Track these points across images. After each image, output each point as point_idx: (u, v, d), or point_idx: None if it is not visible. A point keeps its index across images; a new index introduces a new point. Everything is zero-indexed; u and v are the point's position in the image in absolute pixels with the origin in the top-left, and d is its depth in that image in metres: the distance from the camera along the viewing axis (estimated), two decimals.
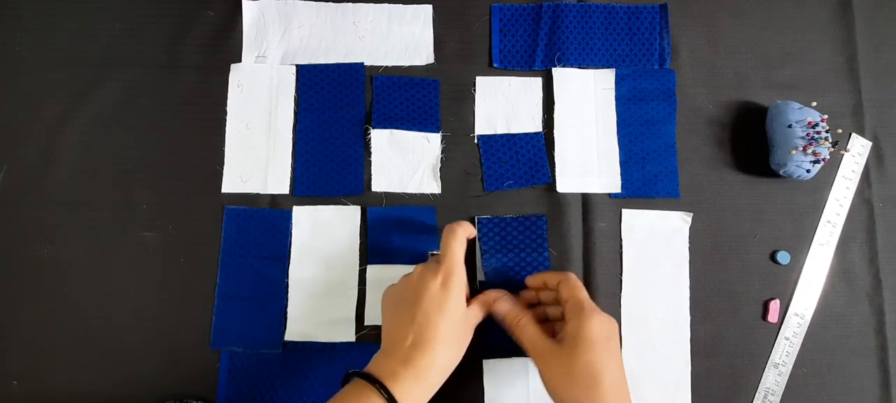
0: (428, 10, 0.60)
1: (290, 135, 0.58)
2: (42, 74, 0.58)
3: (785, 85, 0.60)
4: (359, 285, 0.55)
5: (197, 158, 0.57)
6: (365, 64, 0.59)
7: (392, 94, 0.58)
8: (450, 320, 0.45)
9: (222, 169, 0.57)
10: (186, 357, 0.54)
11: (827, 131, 0.54)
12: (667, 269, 0.56)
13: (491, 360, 0.54)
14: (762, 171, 0.58)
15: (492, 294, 0.49)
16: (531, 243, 0.56)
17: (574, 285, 0.47)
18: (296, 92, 0.59)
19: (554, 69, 0.59)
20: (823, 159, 0.54)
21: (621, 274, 0.56)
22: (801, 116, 0.55)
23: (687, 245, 0.57)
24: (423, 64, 0.59)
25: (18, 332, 0.54)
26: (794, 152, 0.54)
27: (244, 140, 0.57)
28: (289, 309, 0.55)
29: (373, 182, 0.57)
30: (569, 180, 0.57)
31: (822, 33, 0.61)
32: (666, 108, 0.59)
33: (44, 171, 0.57)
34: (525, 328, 0.47)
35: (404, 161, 0.57)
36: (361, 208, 0.56)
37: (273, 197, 0.57)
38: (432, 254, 0.51)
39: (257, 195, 0.57)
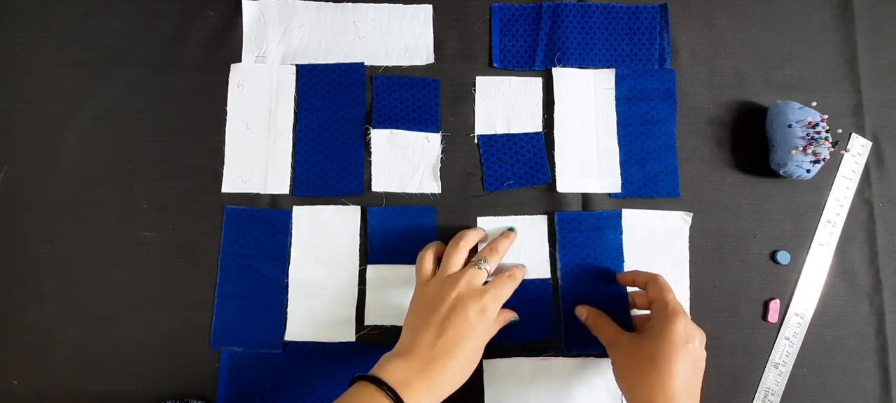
0: (428, 10, 0.60)
1: (290, 135, 0.58)
2: (42, 74, 0.58)
3: (785, 85, 0.60)
4: (359, 285, 0.55)
5: (197, 158, 0.57)
6: (365, 64, 0.59)
7: (392, 94, 0.58)
8: (477, 344, 0.46)
9: (222, 169, 0.57)
10: (186, 357, 0.54)
11: (827, 131, 0.54)
12: (667, 269, 0.56)
13: (491, 360, 0.54)
14: (762, 171, 0.58)
15: (506, 314, 0.52)
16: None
17: (661, 286, 0.49)
18: (296, 92, 0.59)
19: (554, 69, 0.59)
20: (823, 159, 0.54)
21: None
22: (801, 116, 0.55)
23: (687, 245, 0.57)
24: (423, 64, 0.59)
25: (18, 332, 0.54)
26: (794, 152, 0.54)
27: (244, 140, 0.57)
28: (289, 309, 0.55)
29: (373, 182, 0.57)
30: (569, 180, 0.57)
31: (822, 33, 0.61)
32: (666, 108, 0.59)
33: (44, 171, 0.57)
34: (601, 322, 0.51)
35: (404, 161, 0.57)
36: (361, 208, 0.56)
37: (273, 197, 0.57)
38: (483, 255, 0.51)
39: (257, 195, 0.57)
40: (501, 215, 0.57)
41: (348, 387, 0.44)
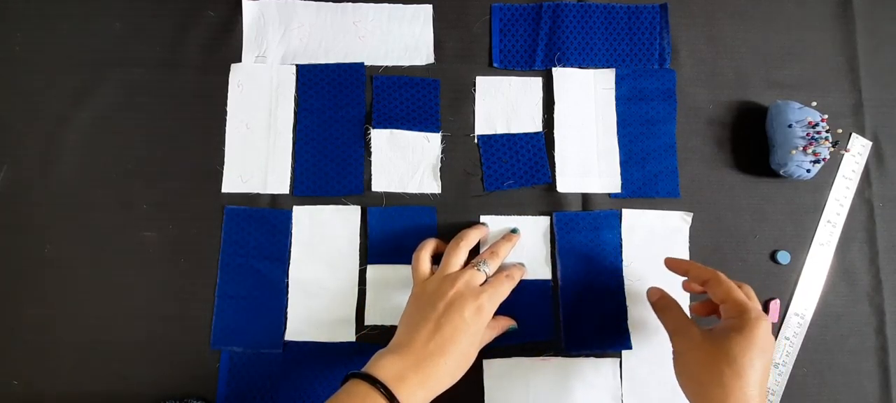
0: (428, 10, 0.60)
1: (290, 135, 0.58)
2: (42, 74, 0.58)
3: (785, 85, 0.60)
4: (359, 285, 0.55)
5: (197, 158, 0.57)
6: (365, 64, 0.59)
7: (392, 94, 0.58)
8: (472, 341, 0.47)
9: (222, 169, 0.57)
10: (186, 358, 0.54)
11: (827, 131, 0.54)
12: (667, 269, 0.56)
13: (491, 360, 0.54)
14: (762, 171, 0.58)
15: (505, 320, 0.52)
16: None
17: (730, 288, 0.46)
18: (296, 92, 0.59)
19: (554, 69, 0.59)
20: (823, 159, 0.54)
21: (622, 274, 0.56)
22: (801, 116, 0.55)
23: (687, 245, 0.57)
24: (423, 64, 0.59)
25: (18, 332, 0.54)
26: (794, 152, 0.54)
27: (244, 140, 0.57)
28: (289, 309, 0.55)
29: (373, 182, 0.57)
30: (569, 180, 0.57)
31: (822, 33, 0.61)
32: (666, 108, 0.59)
33: (44, 171, 0.57)
34: (672, 307, 0.49)
35: (404, 161, 0.57)
36: (361, 208, 0.56)
37: (273, 197, 0.57)
38: (484, 257, 0.51)
39: (257, 195, 0.57)
40: (501, 215, 0.56)
41: (341, 385, 0.44)
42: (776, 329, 0.56)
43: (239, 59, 0.59)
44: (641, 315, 0.55)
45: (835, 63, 0.61)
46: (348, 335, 0.54)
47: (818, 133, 0.54)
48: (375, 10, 0.60)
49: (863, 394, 0.56)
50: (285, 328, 0.54)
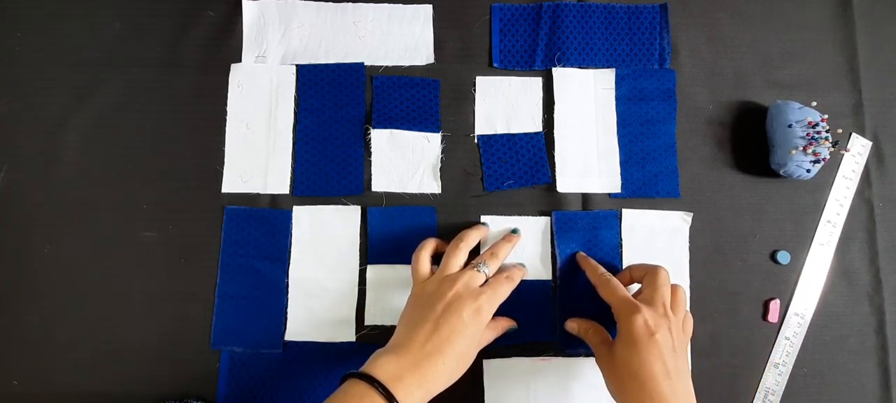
0: (428, 10, 0.60)
1: (290, 135, 0.58)
2: (42, 74, 0.58)
3: (785, 85, 0.60)
4: (359, 285, 0.55)
5: (197, 158, 0.57)
6: (365, 64, 0.59)
7: (392, 94, 0.58)
8: (471, 342, 0.47)
9: (222, 169, 0.57)
10: (186, 357, 0.54)
11: (827, 131, 0.54)
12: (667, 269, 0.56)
13: (491, 360, 0.54)
14: (762, 171, 0.58)
15: (505, 321, 0.52)
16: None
17: (610, 288, 0.49)
18: (296, 92, 0.59)
19: (554, 69, 0.59)
20: (823, 159, 0.54)
21: None
22: (801, 116, 0.55)
23: (687, 245, 0.57)
24: (423, 64, 0.59)
25: (18, 332, 0.54)
26: (794, 152, 0.54)
27: (244, 140, 0.57)
28: (289, 309, 0.55)
29: (373, 182, 0.57)
30: (569, 180, 0.57)
31: (822, 33, 0.61)
32: (666, 108, 0.59)
33: (44, 171, 0.57)
34: (589, 335, 0.50)
35: (404, 161, 0.57)
36: (361, 208, 0.56)
37: (273, 197, 0.57)
38: (484, 258, 0.51)
39: (257, 195, 0.57)
40: (502, 215, 0.56)
41: (339, 385, 0.44)
42: (776, 329, 0.56)
43: (239, 59, 0.59)
44: None
45: (835, 63, 0.61)
46: (348, 335, 0.54)
47: (818, 133, 0.54)
48: (375, 10, 0.60)
49: (863, 394, 0.56)
50: (285, 328, 0.54)
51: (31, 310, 0.55)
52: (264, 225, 0.56)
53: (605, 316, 0.54)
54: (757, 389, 0.55)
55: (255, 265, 0.55)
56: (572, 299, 0.55)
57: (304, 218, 0.56)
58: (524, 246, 0.56)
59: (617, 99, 0.59)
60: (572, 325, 0.52)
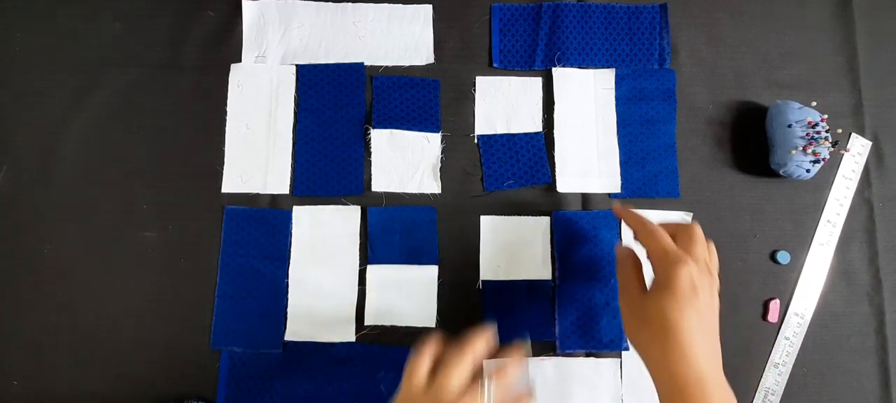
0: (428, 10, 0.60)
1: (290, 135, 0.58)
2: (42, 74, 0.58)
3: (785, 85, 0.60)
4: (359, 285, 0.55)
5: (197, 158, 0.57)
6: (365, 64, 0.59)
7: (392, 94, 0.58)
8: None
9: (222, 169, 0.57)
10: (186, 357, 0.54)
11: (827, 131, 0.54)
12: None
13: (490, 360, 0.54)
14: (762, 171, 0.58)
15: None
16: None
17: (654, 235, 0.44)
18: (296, 92, 0.59)
19: (554, 69, 0.59)
20: (823, 159, 0.54)
21: None
22: (801, 116, 0.55)
23: None
24: (423, 64, 0.59)
25: (18, 332, 0.54)
26: (794, 152, 0.54)
27: (244, 140, 0.57)
28: (289, 309, 0.55)
29: (373, 182, 0.57)
30: (569, 180, 0.57)
31: (822, 33, 0.61)
32: (666, 108, 0.59)
33: (44, 171, 0.57)
34: (624, 264, 0.46)
35: (404, 161, 0.57)
36: (361, 208, 0.56)
37: (273, 197, 0.57)
38: (494, 372, 0.45)
39: (257, 195, 0.57)
40: (501, 215, 0.56)
41: None
42: (776, 329, 0.56)
43: (239, 59, 0.59)
44: None
45: (835, 63, 0.61)
46: (348, 335, 0.54)
47: (818, 133, 0.54)
48: (375, 10, 0.60)
49: (863, 394, 0.56)
50: (285, 328, 0.54)
51: (31, 310, 0.55)
52: (264, 225, 0.56)
53: (607, 315, 0.55)
54: (757, 389, 0.55)
55: (255, 265, 0.55)
56: (572, 299, 0.55)
57: (304, 218, 0.56)
58: (524, 246, 0.56)
59: (617, 99, 0.59)
60: (617, 207, 0.49)
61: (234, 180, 0.57)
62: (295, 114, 0.58)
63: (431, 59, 0.59)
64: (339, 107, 0.58)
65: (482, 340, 0.45)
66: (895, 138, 0.60)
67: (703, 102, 0.60)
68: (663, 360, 0.40)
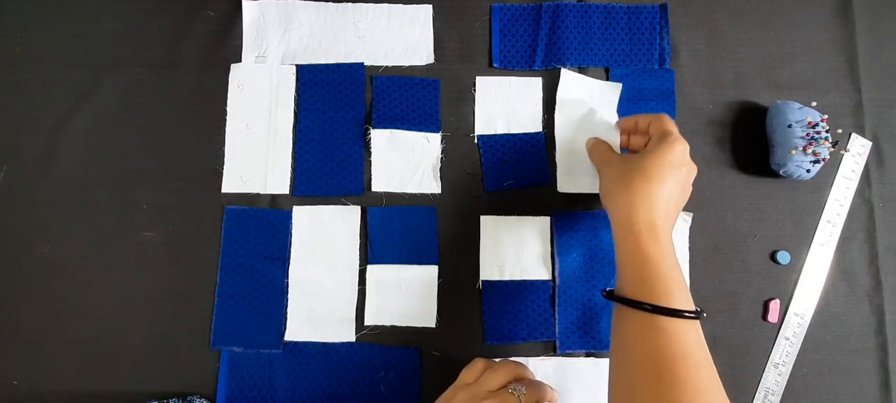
0: (428, 10, 0.60)
1: (290, 135, 0.58)
2: (42, 74, 0.58)
3: (785, 85, 0.60)
4: (359, 285, 0.55)
5: (197, 158, 0.57)
6: (365, 64, 0.59)
7: (392, 94, 0.58)
8: None
9: (222, 169, 0.57)
10: (186, 357, 0.54)
11: (827, 131, 0.54)
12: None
13: (490, 361, 0.54)
14: (762, 171, 0.58)
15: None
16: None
17: (665, 119, 0.49)
18: (296, 92, 0.59)
19: (563, 70, 0.59)
20: (823, 159, 0.54)
21: None
22: (801, 116, 0.55)
23: (687, 245, 0.57)
24: (423, 64, 0.59)
25: (18, 332, 0.54)
26: (794, 152, 0.54)
27: (244, 140, 0.57)
28: (289, 309, 0.55)
29: (373, 182, 0.57)
30: (569, 180, 0.57)
31: (822, 33, 0.61)
32: (665, 108, 0.59)
33: (44, 171, 0.57)
34: (598, 145, 0.50)
35: (404, 161, 0.57)
36: (361, 208, 0.56)
37: (273, 197, 0.57)
38: (522, 382, 0.47)
39: (257, 195, 0.57)
40: (502, 215, 0.56)
41: None
42: (776, 329, 0.56)
43: (239, 59, 0.59)
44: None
45: (835, 63, 0.61)
46: (348, 335, 0.54)
47: (818, 133, 0.54)
48: (375, 10, 0.60)
49: (863, 394, 0.56)
50: (285, 328, 0.54)
51: (31, 310, 0.55)
52: (264, 225, 0.56)
53: (606, 315, 0.55)
54: (757, 389, 0.55)
55: (255, 265, 0.55)
56: (572, 299, 0.55)
57: (304, 219, 0.56)
58: (524, 246, 0.56)
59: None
60: (589, 142, 0.54)
61: (234, 180, 0.57)
62: (295, 114, 0.58)
63: (431, 59, 0.59)
64: (339, 107, 0.58)
65: (525, 369, 0.49)
66: (895, 138, 0.60)
67: (703, 102, 0.60)
68: (628, 207, 0.44)
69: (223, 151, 0.57)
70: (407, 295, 0.55)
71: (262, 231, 0.56)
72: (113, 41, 0.59)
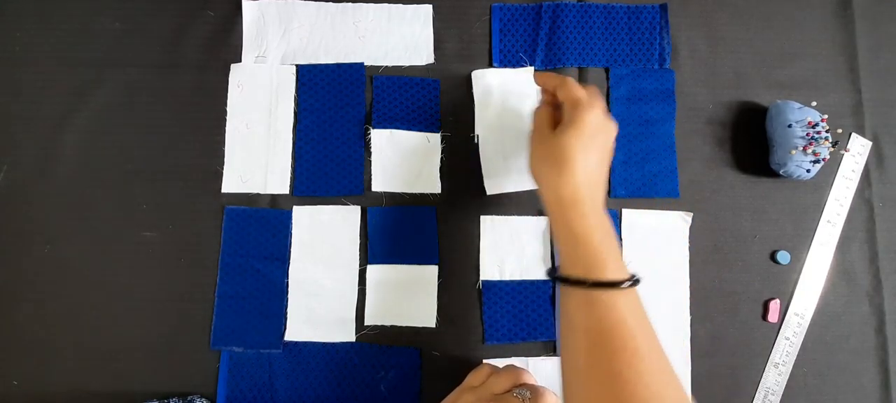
0: (428, 10, 0.60)
1: (290, 135, 0.58)
2: (42, 74, 0.58)
3: (785, 85, 0.60)
4: (359, 285, 0.55)
5: (197, 158, 0.57)
6: (365, 64, 0.59)
7: (392, 94, 0.58)
8: None
9: (222, 169, 0.57)
10: (186, 357, 0.54)
11: (827, 131, 0.54)
12: (667, 269, 0.56)
13: (490, 360, 0.54)
14: (762, 171, 0.58)
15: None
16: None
17: (570, 86, 0.48)
18: (296, 92, 0.59)
19: (472, 72, 0.59)
20: (823, 159, 0.54)
21: None
22: (801, 116, 0.55)
23: (687, 245, 0.57)
24: (423, 64, 0.59)
25: (18, 332, 0.54)
26: (794, 152, 0.54)
27: (244, 140, 0.57)
28: (289, 309, 0.55)
29: (373, 182, 0.57)
30: (495, 182, 0.57)
31: (822, 33, 0.61)
32: (665, 108, 0.59)
33: (44, 171, 0.57)
34: (541, 110, 0.50)
35: (404, 161, 0.57)
36: (361, 208, 0.56)
37: (273, 197, 0.57)
38: (527, 387, 0.47)
39: (257, 195, 0.57)
40: (502, 215, 0.56)
41: None
42: (776, 329, 0.56)
43: (239, 59, 0.59)
44: None
45: (835, 63, 0.61)
46: (348, 335, 0.54)
47: (818, 133, 0.54)
48: (375, 10, 0.60)
49: (863, 394, 0.56)
50: (285, 328, 0.54)
51: (31, 310, 0.55)
52: (264, 225, 0.56)
53: None
54: (757, 389, 0.55)
55: (255, 265, 0.55)
56: None
57: (304, 219, 0.56)
58: (524, 246, 0.56)
59: (616, 99, 0.59)
60: (535, 74, 0.53)
61: (234, 180, 0.57)
62: (295, 114, 0.58)
63: (431, 59, 0.59)
64: (339, 107, 0.58)
65: (530, 376, 0.49)
66: (895, 138, 0.60)
67: (703, 102, 0.60)
68: (556, 182, 0.44)
69: (223, 151, 0.57)
70: (407, 295, 0.55)
71: (261, 231, 0.56)
72: (113, 41, 0.59)
